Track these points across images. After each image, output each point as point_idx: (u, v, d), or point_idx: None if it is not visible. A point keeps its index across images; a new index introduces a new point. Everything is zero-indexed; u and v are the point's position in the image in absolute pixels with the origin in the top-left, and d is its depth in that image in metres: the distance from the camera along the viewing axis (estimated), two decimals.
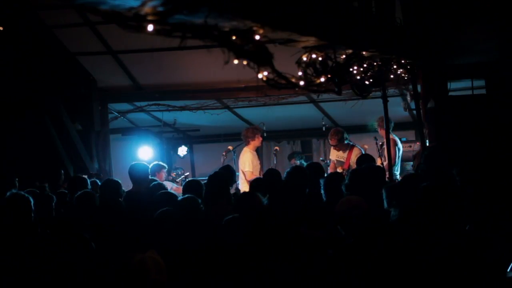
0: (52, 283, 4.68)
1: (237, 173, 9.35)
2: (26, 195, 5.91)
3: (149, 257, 4.63)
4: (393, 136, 10.23)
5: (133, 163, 8.24)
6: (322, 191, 6.53)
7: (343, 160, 10.11)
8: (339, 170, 9.84)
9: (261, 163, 11.38)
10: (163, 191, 6.89)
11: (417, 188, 5.08)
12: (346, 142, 10.21)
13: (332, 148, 10.39)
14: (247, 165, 10.04)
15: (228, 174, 7.63)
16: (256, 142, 10.32)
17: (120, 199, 6.94)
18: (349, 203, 4.75)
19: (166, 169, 9.65)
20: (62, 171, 10.02)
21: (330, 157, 10.58)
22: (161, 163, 9.70)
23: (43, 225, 5.79)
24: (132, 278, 4.46)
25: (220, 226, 5.38)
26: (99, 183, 8.04)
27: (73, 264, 4.69)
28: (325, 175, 7.66)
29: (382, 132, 10.49)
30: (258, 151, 14.10)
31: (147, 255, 4.66)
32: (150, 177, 8.15)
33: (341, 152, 10.21)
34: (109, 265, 4.78)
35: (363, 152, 10.21)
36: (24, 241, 5.27)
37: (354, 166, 9.61)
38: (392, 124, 10.28)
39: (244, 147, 10.39)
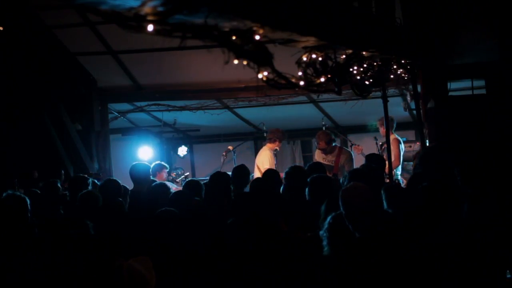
0: (50, 283, 4.67)
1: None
2: (22, 195, 5.91)
3: (128, 265, 4.53)
4: (395, 136, 10.24)
5: (134, 163, 8.24)
6: (307, 193, 6.42)
7: (331, 164, 9.77)
8: (328, 174, 9.17)
9: None
10: (176, 190, 6.89)
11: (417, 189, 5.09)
12: (333, 144, 9.97)
13: (318, 151, 10.02)
14: (266, 162, 10.04)
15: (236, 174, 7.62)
16: (278, 145, 10.28)
17: (120, 199, 6.93)
18: (355, 192, 4.55)
19: (167, 169, 9.66)
20: (63, 171, 10.03)
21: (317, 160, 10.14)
22: (162, 163, 9.71)
23: (40, 225, 5.78)
24: (102, 284, 4.37)
25: (223, 227, 5.39)
26: (98, 183, 8.03)
27: (71, 264, 4.68)
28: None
29: (383, 132, 10.49)
30: (258, 151, 14.18)
31: (127, 262, 4.56)
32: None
33: (329, 155, 9.88)
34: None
35: (352, 154, 10.08)
36: (20, 242, 5.27)
37: (343, 170, 9.57)
38: (395, 124, 10.30)
39: (265, 145, 10.37)
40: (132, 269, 4.42)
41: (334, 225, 4.58)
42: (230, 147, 10.90)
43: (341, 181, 7.05)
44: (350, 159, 9.90)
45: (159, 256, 5.16)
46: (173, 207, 5.75)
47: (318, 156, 10.07)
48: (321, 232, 4.65)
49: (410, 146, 11.02)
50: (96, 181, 8.16)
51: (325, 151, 9.87)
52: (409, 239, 4.59)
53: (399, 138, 10.26)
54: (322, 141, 9.85)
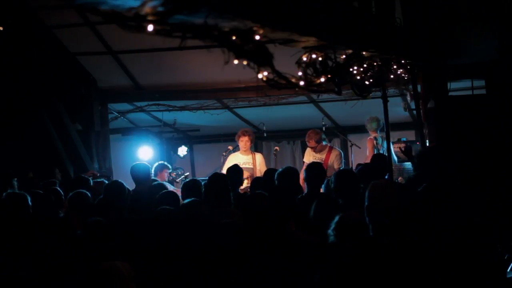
0: (50, 282, 4.68)
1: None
2: (23, 193, 5.93)
3: (108, 264, 4.57)
4: (371, 136, 10.37)
5: (135, 163, 8.25)
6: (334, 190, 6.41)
7: (320, 162, 9.55)
8: None
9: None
10: (165, 190, 6.88)
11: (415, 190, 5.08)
12: (324, 143, 10.13)
13: (309, 150, 10.21)
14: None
15: (230, 174, 7.62)
16: (240, 143, 10.17)
17: (123, 199, 6.90)
18: (380, 188, 4.49)
19: (169, 170, 9.67)
20: (57, 170, 10.00)
21: (305, 159, 10.27)
22: (165, 163, 9.72)
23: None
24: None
25: (218, 228, 5.38)
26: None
27: (69, 265, 4.70)
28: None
29: (371, 133, 10.58)
30: (258, 151, 14.14)
31: (107, 262, 4.60)
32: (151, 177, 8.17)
33: (318, 154, 10.04)
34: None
35: (342, 154, 10.17)
36: (21, 239, 5.27)
37: (332, 168, 9.58)
38: (375, 124, 10.40)
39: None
40: (111, 265, 4.47)
41: (342, 225, 4.54)
42: (230, 147, 10.87)
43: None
44: (339, 158, 10.02)
45: (157, 256, 5.17)
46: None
47: (308, 155, 10.21)
48: (329, 231, 4.62)
49: None
50: (106, 181, 8.17)
51: (315, 150, 10.02)
52: (407, 240, 4.57)
53: (375, 139, 10.38)
54: (311, 140, 9.98)
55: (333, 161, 9.88)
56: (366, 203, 4.37)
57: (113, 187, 7.05)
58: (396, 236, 4.31)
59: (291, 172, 7.04)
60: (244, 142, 10.00)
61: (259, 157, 10.13)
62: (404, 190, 4.42)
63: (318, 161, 9.66)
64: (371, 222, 4.31)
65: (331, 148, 10.16)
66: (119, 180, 7.13)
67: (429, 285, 4.36)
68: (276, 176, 6.96)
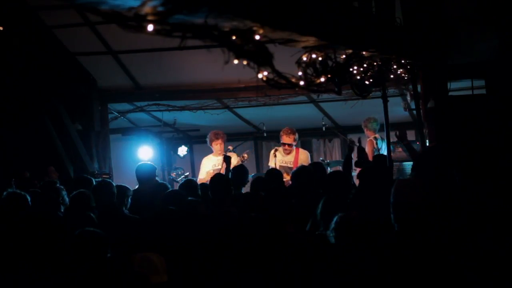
0: (50, 282, 4.69)
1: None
2: (23, 193, 5.95)
3: (140, 255, 4.62)
4: (371, 138, 10.33)
5: (140, 163, 8.27)
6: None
7: (289, 166, 9.41)
8: (287, 177, 8.67)
9: (262, 163, 11.36)
10: (170, 190, 6.90)
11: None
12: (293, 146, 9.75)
13: (273, 153, 9.82)
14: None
15: (234, 174, 7.63)
16: (215, 148, 9.97)
17: (114, 199, 6.90)
18: (406, 186, 4.49)
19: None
20: (53, 168, 10.00)
21: (270, 164, 9.82)
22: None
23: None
24: (134, 277, 4.45)
25: (226, 227, 5.39)
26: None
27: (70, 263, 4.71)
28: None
29: (368, 133, 10.57)
30: (258, 150, 14.11)
31: (140, 254, 4.65)
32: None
33: (286, 157, 9.68)
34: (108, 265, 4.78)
35: (309, 156, 9.85)
36: (21, 238, 5.28)
37: None
38: (375, 124, 10.39)
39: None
40: (144, 257, 4.51)
41: (342, 225, 4.55)
42: (230, 147, 10.87)
43: None
44: (309, 158, 9.81)
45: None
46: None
47: (274, 159, 9.76)
48: (328, 232, 4.63)
49: None
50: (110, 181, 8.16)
51: (287, 151, 9.67)
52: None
53: (374, 140, 10.33)
54: (291, 135, 9.60)
55: (305, 162, 9.34)
56: (391, 200, 4.38)
57: (99, 188, 7.04)
58: (421, 233, 4.32)
59: (305, 172, 7.01)
60: (218, 145, 9.84)
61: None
62: (429, 187, 4.43)
63: (287, 165, 9.48)
64: (397, 219, 4.33)
65: (297, 149, 9.85)
66: (107, 180, 7.14)
67: (428, 285, 4.36)
68: (291, 175, 6.97)
